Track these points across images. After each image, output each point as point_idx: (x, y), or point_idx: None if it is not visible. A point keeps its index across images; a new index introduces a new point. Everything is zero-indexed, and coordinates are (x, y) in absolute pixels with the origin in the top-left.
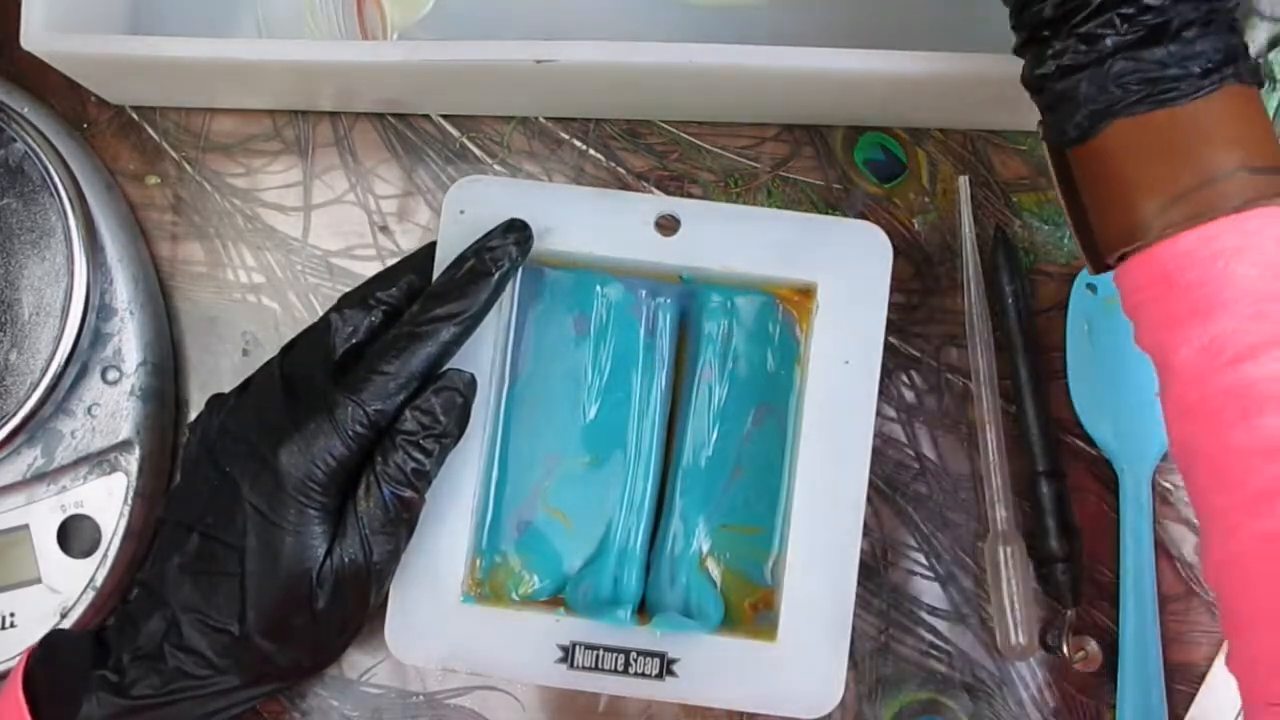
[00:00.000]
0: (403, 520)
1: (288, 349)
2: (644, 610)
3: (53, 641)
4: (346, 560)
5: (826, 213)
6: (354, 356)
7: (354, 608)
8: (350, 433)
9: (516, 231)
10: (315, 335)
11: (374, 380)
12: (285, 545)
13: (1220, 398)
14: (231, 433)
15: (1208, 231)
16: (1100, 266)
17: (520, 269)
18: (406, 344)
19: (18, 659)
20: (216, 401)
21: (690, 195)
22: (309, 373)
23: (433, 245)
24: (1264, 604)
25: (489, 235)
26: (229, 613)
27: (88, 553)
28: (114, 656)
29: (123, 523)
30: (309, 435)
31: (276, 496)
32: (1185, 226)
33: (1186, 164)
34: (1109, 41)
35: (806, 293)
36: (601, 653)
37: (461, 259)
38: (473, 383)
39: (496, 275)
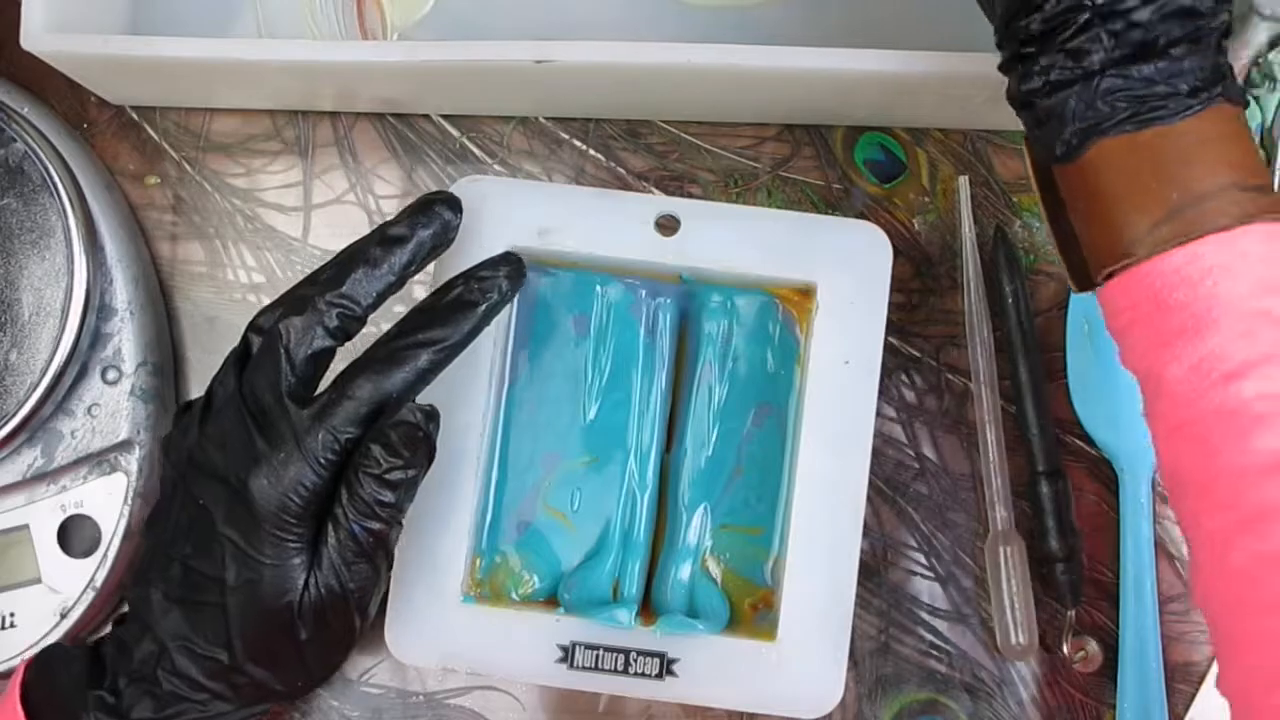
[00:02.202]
0: (378, 550)
1: (240, 363)
2: (647, 611)
3: (48, 658)
4: (324, 592)
5: (826, 213)
6: (313, 364)
7: (340, 634)
8: (321, 461)
9: (509, 265)
10: (268, 352)
11: (345, 406)
12: (264, 578)
13: (1211, 418)
14: (199, 463)
15: (1196, 249)
16: (1084, 285)
17: (514, 300)
18: (381, 368)
19: (15, 663)
20: (185, 416)
21: (690, 195)
22: (271, 395)
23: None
24: (1256, 624)
25: (481, 264)
26: (215, 641)
27: (88, 553)
28: (110, 677)
29: (123, 523)
30: (279, 465)
31: (252, 530)
32: (1174, 244)
33: (1175, 182)
34: (1096, 58)
35: (806, 293)
36: (601, 653)
37: (450, 285)
38: (433, 414)
39: (483, 306)
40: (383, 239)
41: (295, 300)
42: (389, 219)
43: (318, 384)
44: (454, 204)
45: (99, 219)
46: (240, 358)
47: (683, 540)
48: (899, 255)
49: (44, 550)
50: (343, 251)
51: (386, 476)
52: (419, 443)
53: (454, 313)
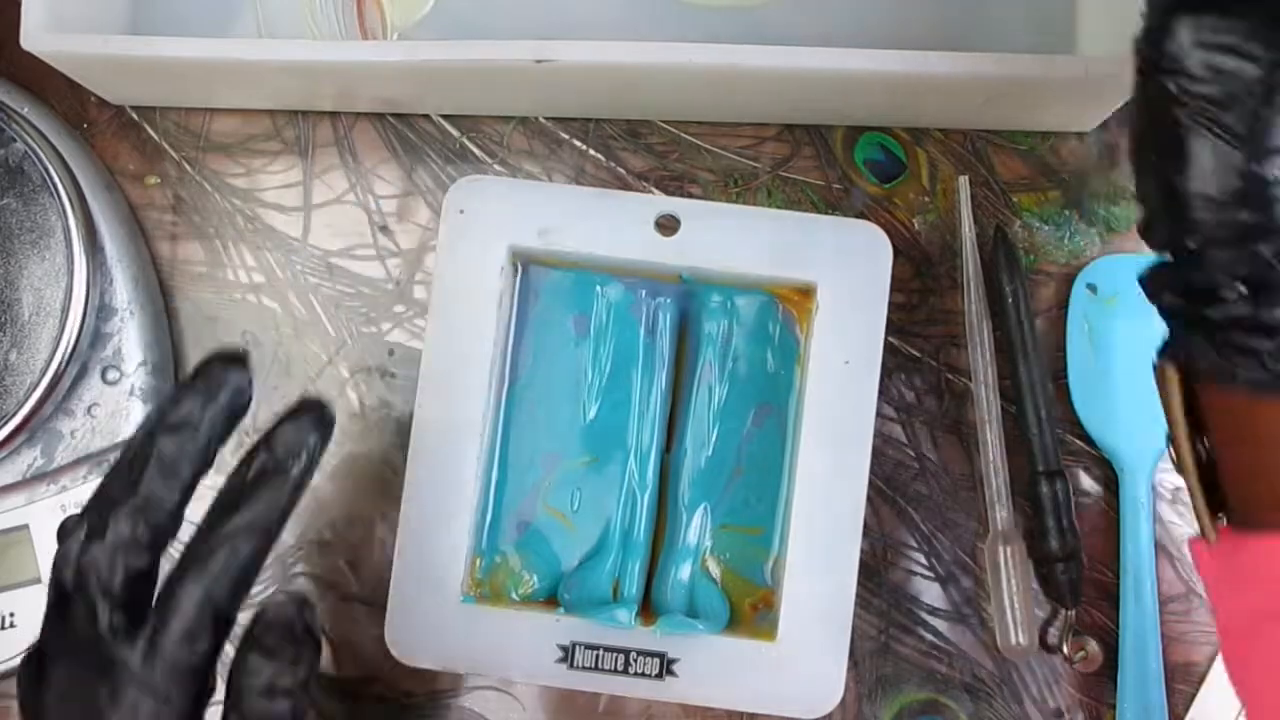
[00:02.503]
0: None
1: (60, 607)
2: (647, 611)
3: None
4: None
5: (826, 213)
6: (134, 587)
7: None
8: (172, 695)
9: (311, 412)
10: (80, 591)
11: (174, 627)
12: None
13: None
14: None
15: None
16: (1213, 523)
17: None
18: (200, 572)
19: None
20: (25, 669)
21: (690, 195)
22: (98, 638)
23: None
24: None
25: (278, 423)
26: None
27: None
28: None
29: None
30: (129, 716)
31: None
32: None
33: None
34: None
35: (806, 293)
36: (601, 653)
37: (250, 456)
38: (305, 600)
39: (294, 471)
40: (169, 427)
41: (95, 523)
42: (169, 398)
43: (151, 600)
44: (238, 359)
45: (99, 219)
46: (58, 601)
47: (683, 540)
48: (899, 255)
49: (44, 550)
50: (129, 447)
51: (276, 684)
52: (300, 638)
53: (262, 489)
